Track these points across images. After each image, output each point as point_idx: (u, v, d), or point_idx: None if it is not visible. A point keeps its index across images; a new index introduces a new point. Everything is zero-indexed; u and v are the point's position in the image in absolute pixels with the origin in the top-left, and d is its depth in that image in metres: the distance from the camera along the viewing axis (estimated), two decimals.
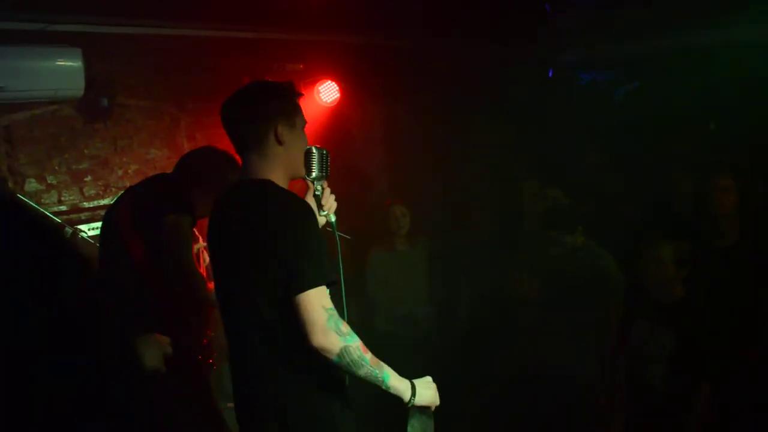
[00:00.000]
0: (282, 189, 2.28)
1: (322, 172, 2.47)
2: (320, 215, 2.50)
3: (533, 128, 5.54)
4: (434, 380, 2.40)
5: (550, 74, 6.55)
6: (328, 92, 5.29)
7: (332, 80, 5.30)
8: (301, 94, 2.47)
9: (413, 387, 2.23)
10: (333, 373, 2.26)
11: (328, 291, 2.16)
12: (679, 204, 4.44)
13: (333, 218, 2.55)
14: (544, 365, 4.19)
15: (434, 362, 4.51)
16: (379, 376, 2.15)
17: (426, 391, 2.27)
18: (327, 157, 2.49)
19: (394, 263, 4.74)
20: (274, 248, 2.12)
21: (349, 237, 3.18)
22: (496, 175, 5.35)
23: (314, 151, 2.45)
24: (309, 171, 2.45)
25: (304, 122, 2.43)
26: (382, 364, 2.18)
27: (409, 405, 2.23)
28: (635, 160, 5.05)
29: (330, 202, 2.55)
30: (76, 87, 3.97)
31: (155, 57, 4.59)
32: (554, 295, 4.15)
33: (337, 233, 2.55)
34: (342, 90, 5.32)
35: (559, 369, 4.08)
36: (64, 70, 3.90)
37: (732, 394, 3.36)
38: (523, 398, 4.21)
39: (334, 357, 2.07)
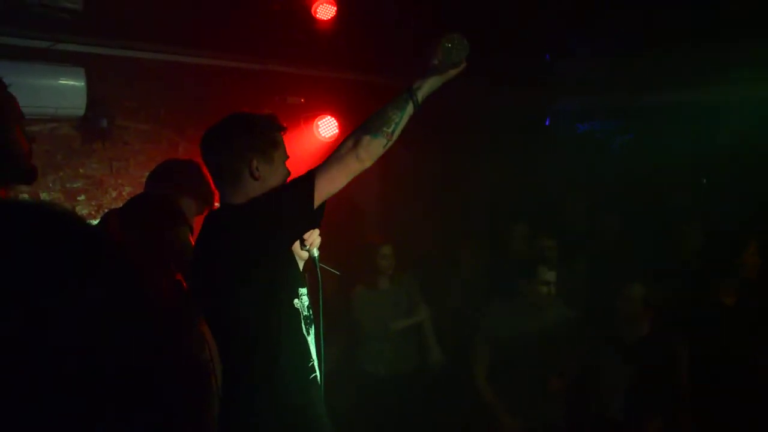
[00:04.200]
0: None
1: None
2: (302, 249, 2.46)
3: (528, 173, 5.58)
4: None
5: (548, 122, 6.63)
6: (327, 127, 5.32)
7: (332, 116, 5.34)
8: (283, 128, 2.41)
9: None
10: (310, 391, 2.25)
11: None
12: (686, 253, 4.48)
13: (316, 253, 2.48)
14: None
15: (418, 400, 4.49)
16: (400, 97, 2.30)
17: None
18: None
19: (377, 301, 4.71)
20: (257, 227, 2.13)
21: (338, 272, 3.13)
22: (487, 216, 5.37)
23: None
24: None
25: (286, 156, 2.38)
26: (386, 110, 2.28)
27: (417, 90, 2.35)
28: (630, 210, 5.10)
29: (313, 237, 2.48)
30: (77, 106, 3.98)
31: (157, 81, 4.63)
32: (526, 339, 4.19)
33: (319, 267, 2.49)
34: (341, 126, 5.36)
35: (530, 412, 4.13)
36: (66, 89, 3.92)
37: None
38: None
39: (373, 137, 2.21)
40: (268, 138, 2.31)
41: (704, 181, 5.08)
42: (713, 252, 4.23)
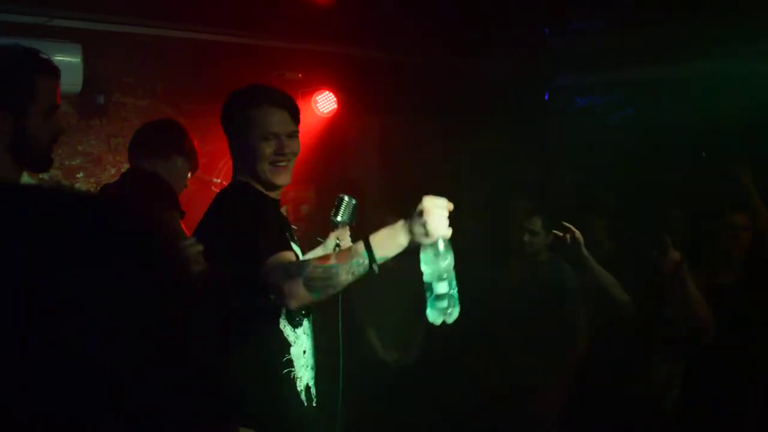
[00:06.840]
0: (241, 190, 2.37)
1: (346, 218, 2.62)
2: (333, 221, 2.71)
3: (527, 149, 5.57)
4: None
5: (546, 97, 6.60)
6: (325, 103, 5.29)
7: (330, 91, 5.31)
8: (262, 100, 2.38)
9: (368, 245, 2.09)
10: (281, 387, 2.29)
11: (293, 253, 2.21)
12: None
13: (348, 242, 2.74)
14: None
15: (422, 379, 4.49)
16: (357, 261, 2.02)
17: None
18: (347, 204, 2.61)
19: (377, 282, 4.60)
20: (229, 245, 2.17)
21: None
22: (486, 191, 5.37)
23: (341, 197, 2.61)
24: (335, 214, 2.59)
25: (265, 133, 2.33)
26: (350, 251, 2.06)
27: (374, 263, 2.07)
28: (626, 186, 5.09)
29: (345, 237, 2.74)
30: (74, 83, 3.93)
31: (154, 57, 4.60)
32: (524, 309, 4.10)
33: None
34: (339, 101, 5.33)
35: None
36: (62, 66, 3.82)
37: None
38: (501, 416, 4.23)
39: (311, 295, 1.97)
40: (236, 124, 2.40)
41: (704, 155, 5.08)
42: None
